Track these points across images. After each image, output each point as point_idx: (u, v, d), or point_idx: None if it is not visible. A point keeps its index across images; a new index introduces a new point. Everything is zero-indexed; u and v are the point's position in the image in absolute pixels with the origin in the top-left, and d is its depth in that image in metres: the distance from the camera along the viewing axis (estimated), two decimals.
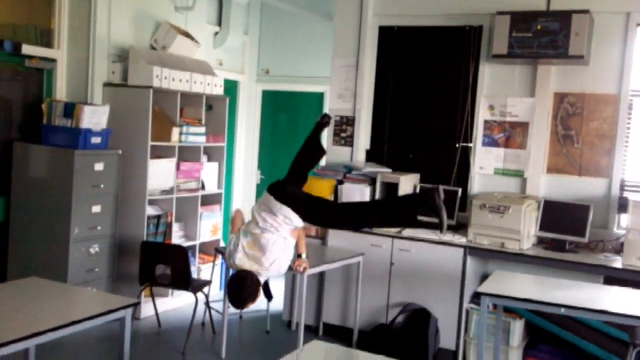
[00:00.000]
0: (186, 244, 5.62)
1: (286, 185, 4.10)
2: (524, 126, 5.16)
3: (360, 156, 5.72)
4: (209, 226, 6.00)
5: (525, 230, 4.63)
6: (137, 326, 5.16)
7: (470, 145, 5.35)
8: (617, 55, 4.86)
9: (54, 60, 5.26)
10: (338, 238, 5.15)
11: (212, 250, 5.76)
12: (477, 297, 4.42)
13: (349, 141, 5.75)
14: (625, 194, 4.85)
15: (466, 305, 4.78)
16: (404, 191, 5.12)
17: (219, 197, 6.16)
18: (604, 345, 4.43)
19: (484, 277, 4.74)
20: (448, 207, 5.05)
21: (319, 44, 6.93)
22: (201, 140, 5.78)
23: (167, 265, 4.85)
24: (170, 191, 5.55)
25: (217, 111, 6.12)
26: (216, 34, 6.85)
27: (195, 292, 4.86)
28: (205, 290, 5.06)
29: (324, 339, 4.73)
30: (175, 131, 5.47)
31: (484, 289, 3.80)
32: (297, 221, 3.98)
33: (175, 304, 5.73)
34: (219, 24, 6.87)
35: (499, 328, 4.25)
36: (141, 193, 5.30)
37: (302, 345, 4.24)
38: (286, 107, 7.57)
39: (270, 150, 7.62)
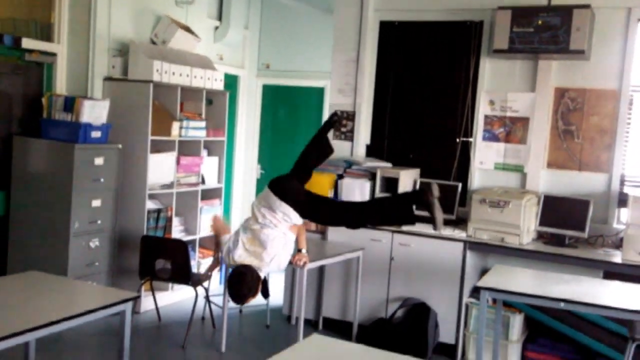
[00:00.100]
0: (186, 238, 5.63)
1: (287, 181, 4.11)
2: (524, 121, 5.16)
3: (360, 151, 5.72)
4: (209, 220, 6.00)
5: (525, 225, 4.64)
6: (137, 320, 5.17)
7: (471, 139, 5.35)
8: (617, 50, 4.86)
9: (53, 54, 5.26)
10: (338, 232, 5.16)
11: (212, 244, 5.76)
12: (476, 292, 4.43)
13: (349, 136, 5.75)
14: (625, 189, 4.86)
15: (465, 299, 4.79)
16: (404, 186, 5.12)
17: (219, 192, 6.17)
18: (603, 339, 4.44)
19: (484, 272, 4.76)
20: (448, 201, 5.10)
21: (320, 39, 6.92)
22: (201, 135, 5.78)
23: (167, 259, 4.85)
24: (170, 185, 5.55)
25: (217, 105, 6.11)
26: (216, 28, 6.84)
27: (195, 286, 4.87)
28: (205, 284, 5.07)
29: (324, 333, 4.73)
30: (175, 125, 5.47)
31: (483, 283, 3.81)
32: (296, 218, 3.99)
33: (175, 298, 5.74)
34: (219, 18, 6.85)
35: (498, 322, 4.26)
36: (141, 187, 5.30)
37: (301, 339, 4.25)
38: (286, 101, 7.56)
39: (270, 144, 7.62)
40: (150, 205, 5.42)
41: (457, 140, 5.39)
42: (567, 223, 4.74)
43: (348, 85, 5.75)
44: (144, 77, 5.27)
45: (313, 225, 5.26)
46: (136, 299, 3.95)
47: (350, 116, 5.72)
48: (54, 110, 4.95)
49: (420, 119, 5.55)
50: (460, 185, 5.19)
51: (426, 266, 4.85)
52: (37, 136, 5.00)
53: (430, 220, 3.86)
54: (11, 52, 5.06)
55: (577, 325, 4.53)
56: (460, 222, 5.06)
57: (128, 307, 3.15)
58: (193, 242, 5.81)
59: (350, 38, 5.72)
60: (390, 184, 5.14)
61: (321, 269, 5.21)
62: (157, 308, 5.34)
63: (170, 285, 5.63)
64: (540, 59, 5.00)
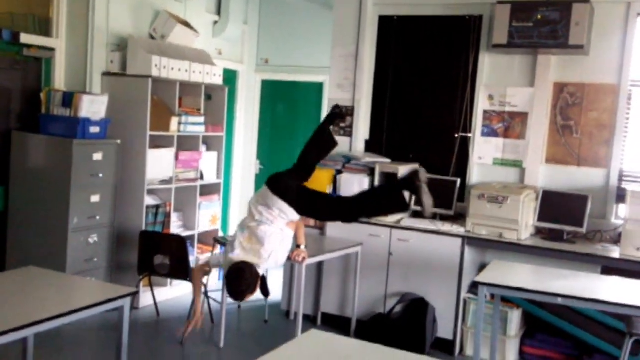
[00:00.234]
0: (185, 233, 5.63)
1: (284, 178, 4.11)
2: (523, 116, 5.15)
3: (359, 146, 5.72)
4: (208, 216, 6.01)
5: (524, 220, 4.64)
6: (136, 315, 5.17)
7: (469, 135, 5.35)
8: (617, 45, 4.85)
9: (52, 49, 5.25)
10: (336, 228, 5.16)
11: (211, 240, 5.77)
12: (474, 287, 4.43)
13: (347, 131, 5.74)
14: (624, 184, 4.86)
15: (464, 294, 4.80)
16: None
17: (218, 187, 6.17)
18: (601, 334, 4.45)
19: (482, 267, 4.76)
20: (446, 197, 5.10)
21: (319, 34, 6.90)
22: (200, 130, 5.78)
23: (165, 255, 4.86)
24: (168, 181, 5.55)
25: (216, 101, 6.11)
26: (215, 23, 6.82)
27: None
28: (204, 279, 5.06)
29: (322, 329, 4.74)
30: (174, 121, 5.47)
31: (481, 278, 3.81)
32: (292, 215, 4.00)
33: (174, 294, 5.75)
34: (218, 13, 6.84)
35: (496, 317, 4.27)
36: (140, 183, 5.30)
37: (300, 334, 4.26)
38: (285, 96, 7.55)
39: (269, 140, 7.61)
40: (149, 200, 5.42)
41: (456, 135, 5.38)
42: (565, 218, 4.74)
43: (347, 81, 5.74)
44: (143, 72, 5.26)
45: (312, 221, 5.26)
46: (135, 295, 3.95)
47: (349, 111, 5.72)
48: (52, 106, 4.94)
49: (419, 114, 5.55)
50: (458, 180, 5.19)
51: (424, 261, 4.85)
52: (35, 131, 5.00)
53: (419, 205, 3.86)
54: (9, 47, 5.05)
55: (575, 321, 4.54)
56: (459, 218, 5.06)
57: (127, 302, 3.15)
58: (192, 237, 5.82)
59: (349, 33, 5.71)
60: (389, 179, 5.14)
61: (320, 265, 5.22)
62: (155, 303, 5.34)
63: (168, 280, 5.63)
64: (539, 54, 4.99)
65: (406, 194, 4.08)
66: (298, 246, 4.35)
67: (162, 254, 4.86)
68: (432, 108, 5.48)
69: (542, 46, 4.74)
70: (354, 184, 5.20)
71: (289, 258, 4.27)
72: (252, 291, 3.88)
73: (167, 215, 5.59)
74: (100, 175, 5.01)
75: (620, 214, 4.83)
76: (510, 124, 5.21)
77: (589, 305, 3.65)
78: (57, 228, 4.83)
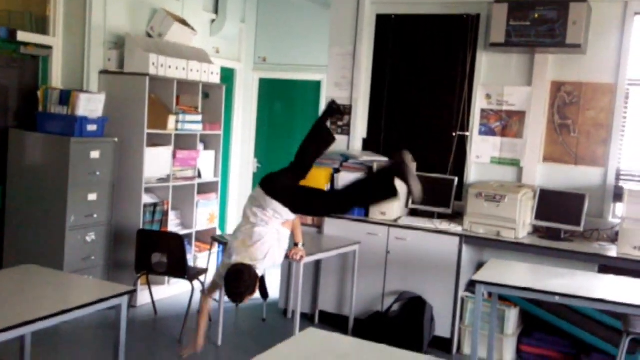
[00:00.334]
0: (182, 232, 5.62)
1: (277, 178, 4.13)
2: (520, 115, 5.16)
3: (357, 144, 5.72)
4: (205, 214, 6.00)
5: (521, 219, 4.65)
6: (133, 314, 5.17)
7: (467, 133, 5.35)
8: (614, 44, 4.86)
9: (49, 47, 5.24)
10: (334, 226, 5.16)
11: (208, 238, 5.76)
12: (472, 285, 4.43)
13: (345, 129, 5.74)
14: (621, 183, 4.86)
15: (461, 293, 4.80)
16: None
17: (215, 185, 6.16)
18: (598, 333, 4.46)
19: (479, 266, 4.76)
20: (444, 195, 5.11)
21: (316, 32, 6.90)
22: (197, 128, 5.77)
23: (163, 253, 4.85)
24: (166, 179, 5.55)
25: (214, 99, 6.10)
26: (213, 21, 6.81)
27: (191, 280, 4.87)
28: (202, 278, 5.06)
29: (320, 327, 4.72)
30: (172, 119, 5.46)
31: (478, 277, 3.81)
32: (287, 214, 4.01)
33: (172, 292, 5.74)
34: (216, 11, 6.83)
35: (494, 316, 4.27)
36: (137, 181, 5.29)
37: (297, 332, 4.26)
38: (283, 95, 7.55)
39: (267, 138, 7.61)
40: (146, 199, 5.41)
41: (454, 134, 5.39)
42: (562, 217, 4.75)
43: (345, 79, 5.74)
44: (140, 70, 5.26)
45: (309, 219, 5.27)
46: (132, 293, 3.95)
47: (347, 110, 5.71)
48: (49, 104, 4.93)
49: (416, 113, 5.55)
50: (456, 179, 5.19)
51: (422, 260, 4.86)
52: (32, 130, 4.99)
53: (408, 190, 3.83)
54: (6, 45, 5.04)
55: (572, 319, 4.54)
56: (457, 216, 5.06)
57: (124, 300, 3.15)
58: (189, 236, 5.81)
59: (347, 31, 5.70)
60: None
61: (317, 263, 5.22)
62: (153, 302, 5.34)
63: (166, 279, 5.63)
64: (536, 53, 5.00)
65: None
66: (296, 244, 4.36)
67: (160, 252, 4.85)
68: (430, 107, 5.49)
69: (540, 45, 4.74)
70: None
71: (287, 256, 4.27)
72: (252, 292, 3.90)
73: (165, 214, 5.59)
74: (98, 173, 5.00)
75: (618, 212, 4.84)
76: (507, 123, 5.21)
77: (586, 304, 3.66)
78: (55, 226, 4.83)
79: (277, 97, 7.59)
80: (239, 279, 3.83)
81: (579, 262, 4.50)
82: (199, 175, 5.92)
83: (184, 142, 5.72)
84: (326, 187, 5.29)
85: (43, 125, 4.95)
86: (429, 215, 5.13)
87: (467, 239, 4.75)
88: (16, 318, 2.66)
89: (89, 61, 5.28)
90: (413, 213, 5.27)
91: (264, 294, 4.13)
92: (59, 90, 4.98)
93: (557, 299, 3.58)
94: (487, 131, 5.29)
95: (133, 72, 5.29)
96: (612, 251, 4.46)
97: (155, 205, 5.50)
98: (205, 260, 5.75)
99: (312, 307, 5.36)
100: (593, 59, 4.90)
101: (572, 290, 3.60)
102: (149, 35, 5.71)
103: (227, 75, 7.00)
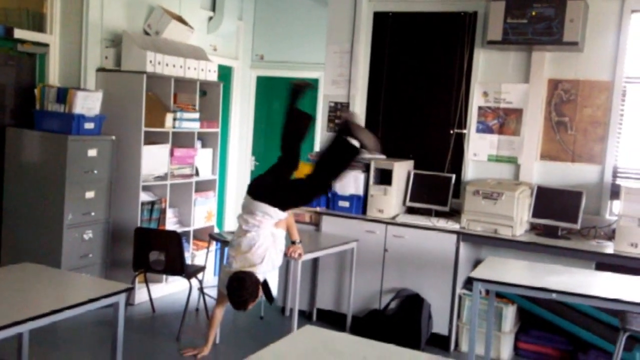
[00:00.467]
0: (180, 229, 5.62)
1: (260, 180, 4.22)
2: (517, 112, 5.16)
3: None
4: (203, 212, 6.00)
5: (518, 217, 4.65)
6: (131, 312, 5.17)
7: (464, 131, 5.35)
8: (611, 41, 4.86)
9: (46, 45, 5.22)
10: (332, 224, 5.17)
11: (206, 236, 5.76)
12: (469, 283, 4.45)
13: None
14: (618, 181, 4.87)
15: (459, 290, 4.81)
16: (398, 176, 5.12)
17: (213, 183, 6.16)
18: (595, 330, 4.47)
19: (477, 263, 4.77)
20: (442, 193, 5.11)
21: (314, 30, 6.90)
22: (195, 126, 5.77)
23: (161, 251, 4.85)
24: (164, 177, 5.54)
25: (211, 97, 6.10)
26: (210, 18, 6.80)
27: (189, 277, 4.87)
28: (199, 276, 5.07)
29: (318, 325, 4.74)
30: (169, 117, 5.46)
31: (476, 274, 3.82)
32: (277, 214, 4.05)
33: (169, 290, 5.74)
34: (213, 8, 6.82)
35: (491, 313, 4.28)
36: (135, 179, 5.28)
37: (295, 330, 4.26)
38: (280, 93, 7.50)
39: (264, 136, 7.60)
40: (144, 197, 5.41)
41: (451, 131, 5.39)
42: (560, 214, 4.75)
43: (342, 77, 5.73)
44: (137, 68, 5.25)
45: (307, 217, 5.28)
46: (130, 291, 3.96)
47: (344, 107, 5.71)
48: (46, 102, 4.92)
49: (414, 111, 5.55)
50: (453, 176, 5.19)
51: (420, 258, 4.86)
52: (30, 127, 4.98)
53: (362, 145, 3.92)
54: (3, 43, 5.03)
55: (569, 316, 4.55)
56: (454, 214, 5.07)
57: (121, 298, 3.15)
58: (187, 233, 5.81)
59: (344, 29, 5.70)
60: (384, 175, 5.14)
61: (315, 261, 5.22)
62: (151, 300, 5.34)
63: (164, 277, 5.63)
64: (533, 50, 5.00)
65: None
66: (293, 242, 4.36)
67: (158, 250, 4.85)
68: (427, 104, 5.49)
69: (537, 43, 4.75)
70: (349, 181, 5.20)
71: (285, 255, 4.28)
72: (254, 299, 3.98)
73: (163, 212, 5.59)
74: (95, 171, 5.00)
75: (615, 210, 4.85)
76: (505, 121, 5.22)
77: (583, 301, 3.66)
78: (52, 224, 4.82)
79: (274, 94, 7.58)
80: (242, 287, 3.89)
81: (576, 259, 4.51)
82: (197, 173, 5.92)
83: (181, 140, 5.71)
84: None
85: (40, 123, 4.94)
86: (427, 212, 5.14)
87: (464, 236, 4.76)
88: (14, 316, 2.66)
89: (86, 59, 5.27)
90: (411, 211, 5.28)
91: (270, 297, 4.16)
92: (56, 88, 4.97)
93: (554, 296, 3.59)
94: (484, 129, 5.29)
95: (130, 70, 5.28)
96: (609, 248, 4.47)
97: (152, 203, 5.49)
98: (203, 258, 5.75)
99: (309, 304, 5.36)
100: (590, 56, 4.91)
101: (570, 287, 3.61)
102: (146, 33, 5.70)
103: (225, 73, 7.00)
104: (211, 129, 6.03)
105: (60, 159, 4.77)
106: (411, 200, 5.25)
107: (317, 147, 6.17)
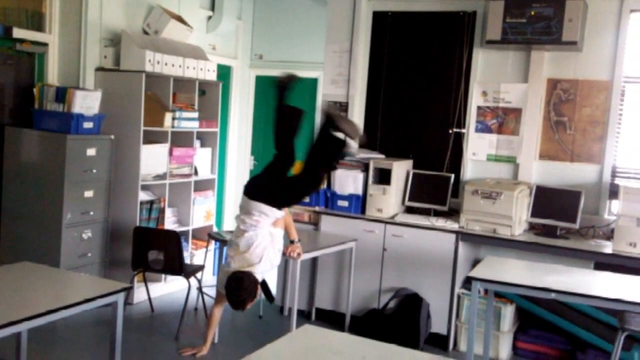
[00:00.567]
0: (179, 229, 5.62)
1: (256, 180, 4.24)
2: (516, 112, 5.16)
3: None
4: (202, 211, 6.00)
5: (517, 216, 4.66)
6: (130, 311, 5.17)
7: (463, 131, 5.36)
8: (610, 41, 4.86)
9: (45, 44, 5.22)
10: (330, 224, 5.17)
11: (205, 235, 5.76)
12: (468, 282, 4.45)
13: None
14: (616, 180, 4.87)
15: (457, 290, 4.81)
16: (397, 175, 5.13)
17: (212, 183, 6.16)
18: (594, 329, 4.47)
19: (476, 263, 4.77)
20: (441, 193, 5.11)
21: (313, 29, 6.90)
22: (194, 126, 5.76)
23: (159, 251, 4.84)
24: (162, 176, 5.54)
25: (210, 96, 6.09)
26: (209, 18, 6.80)
27: (187, 277, 4.87)
28: (198, 275, 5.07)
29: (316, 324, 4.75)
30: (168, 116, 5.45)
31: (475, 273, 3.82)
32: (273, 212, 4.06)
33: (168, 289, 5.74)
34: (212, 8, 6.82)
35: (490, 312, 4.28)
36: (134, 178, 5.28)
37: (294, 329, 4.26)
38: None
39: (263, 135, 7.60)
40: (143, 196, 5.41)
41: (450, 131, 5.39)
42: (558, 214, 4.76)
43: (341, 76, 5.73)
44: (136, 67, 5.25)
45: (306, 216, 5.29)
46: (129, 290, 3.96)
47: (344, 107, 5.71)
48: (45, 101, 4.92)
49: (413, 110, 5.55)
50: (452, 176, 5.20)
51: (419, 257, 4.86)
52: (28, 127, 4.98)
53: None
54: (2, 42, 5.02)
55: (568, 316, 4.55)
56: (453, 213, 5.07)
57: (120, 297, 3.15)
58: (186, 233, 5.81)
59: (343, 28, 5.70)
60: (383, 175, 5.15)
61: (314, 260, 5.22)
62: (149, 299, 5.34)
63: (163, 276, 5.63)
64: (532, 50, 5.00)
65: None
66: (292, 242, 4.36)
67: (156, 249, 4.85)
68: (426, 104, 5.49)
69: (536, 42, 4.75)
70: (348, 180, 5.20)
71: (283, 254, 4.29)
72: (253, 299, 3.99)
73: (161, 211, 5.58)
74: (94, 170, 5.00)
75: (613, 209, 4.85)
76: (503, 120, 5.22)
77: (581, 301, 3.66)
78: (51, 223, 4.82)
79: (273, 94, 7.55)
80: (240, 287, 3.90)
81: (574, 259, 4.51)
82: (196, 173, 5.92)
83: (180, 139, 5.71)
84: (322, 184, 5.29)
85: (39, 123, 4.93)
86: (426, 212, 5.14)
87: (463, 236, 4.76)
88: (12, 315, 2.66)
89: (85, 58, 5.27)
90: (409, 210, 5.28)
91: (270, 296, 4.17)
92: (55, 87, 4.96)
93: (553, 295, 3.59)
94: (483, 128, 5.30)
95: (129, 70, 5.28)
96: (608, 248, 4.48)
97: (151, 202, 5.49)
98: (202, 257, 5.75)
99: (308, 304, 5.36)
100: (589, 56, 4.91)
101: (568, 287, 3.61)
102: (145, 32, 5.70)
103: (224, 73, 6.99)
104: (210, 128, 6.03)
105: (59, 158, 4.77)
106: (410, 199, 5.25)
107: None
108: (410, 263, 4.90)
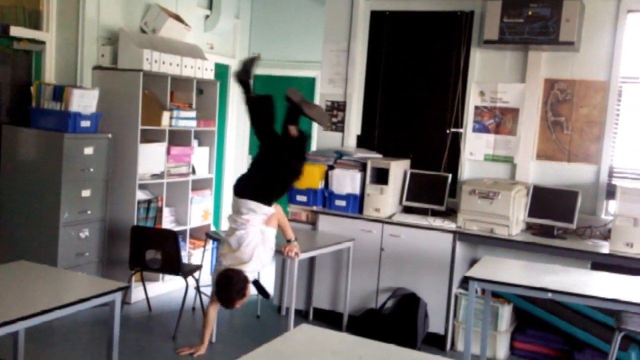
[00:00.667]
0: (176, 228, 5.61)
1: (242, 179, 4.26)
2: (514, 112, 5.17)
3: (351, 141, 5.72)
4: (200, 211, 6.00)
5: (514, 216, 4.66)
6: (128, 310, 5.17)
7: (461, 130, 5.36)
8: (607, 41, 4.87)
9: (42, 43, 5.21)
10: (328, 223, 5.17)
11: (203, 235, 5.75)
12: (465, 282, 4.44)
13: (339, 126, 5.74)
14: (613, 181, 4.89)
15: (455, 290, 4.82)
16: (395, 175, 5.13)
17: (210, 182, 6.15)
18: (590, 329, 4.48)
19: (473, 262, 4.77)
20: (438, 192, 5.12)
21: (310, 28, 6.89)
22: (191, 125, 5.76)
23: (157, 250, 4.84)
24: (160, 175, 5.54)
25: (208, 95, 6.09)
26: (207, 17, 6.79)
27: (185, 276, 4.87)
28: (196, 274, 5.06)
29: (314, 324, 4.75)
30: (166, 115, 5.45)
31: (472, 273, 3.83)
32: (260, 208, 4.09)
33: (166, 289, 5.74)
34: (210, 7, 6.81)
35: (487, 312, 4.29)
36: (131, 177, 5.28)
37: (292, 329, 4.26)
38: (277, 91, 7.48)
39: None
40: (140, 195, 5.40)
41: (448, 131, 5.40)
42: (555, 214, 4.77)
43: (339, 76, 5.73)
44: (134, 66, 5.24)
45: (303, 216, 5.29)
46: (126, 289, 3.95)
47: (341, 106, 5.72)
48: (43, 99, 4.91)
49: (410, 110, 5.55)
50: (450, 176, 5.20)
51: (416, 257, 4.87)
52: (26, 125, 4.96)
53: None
54: None
55: (565, 316, 4.56)
56: (450, 213, 5.08)
57: (117, 297, 3.14)
58: (183, 232, 5.81)
59: (341, 28, 5.70)
60: (381, 174, 5.15)
61: (311, 260, 5.22)
62: (147, 298, 5.34)
63: (160, 275, 5.62)
64: (530, 50, 5.01)
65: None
66: (288, 241, 4.36)
67: (154, 248, 4.84)
68: (424, 103, 5.49)
69: (533, 42, 4.76)
70: (346, 180, 5.20)
71: (281, 253, 4.29)
72: (242, 297, 3.99)
73: (159, 210, 5.58)
74: (91, 169, 4.99)
75: (610, 210, 4.86)
76: (501, 120, 5.23)
77: (579, 301, 3.67)
78: (48, 222, 4.81)
79: (271, 93, 7.54)
80: (229, 284, 3.92)
81: (571, 259, 4.51)
82: (193, 172, 5.91)
83: (178, 138, 5.71)
84: (320, 184, 5.29)
85: (36, 121, 4.92)
86: (423, 212, 5.15)
87: (460, 235, 4.76)
88: (9, 314, 2.65)
89: (82, 57, 5.26)
90: (407, 210, 5.28)
91: (265, 294, 4.18)
92: (52, 85, 4.95)
93: (550, 295, 3.59)
94: (480, 128, 5.30)
95: (127, 68, 5.27)
96: (605, 248, 4.49)
97: (149, 201, 5.49)
98: (200, 256, 5.73)
99: (306, 303, 5.36)
100: (586, 56, 4.92)
101: (565, 287, 3.61)
102: (143, 31, 5.69)
103: (222, 72, 6.99)
104: (208, 127, 6.03)
105: (56, 157, 4.76)
106: (408, 199, 5.25)
107: (315, 145, 6.16)
108: (408, 263, 4.91)
